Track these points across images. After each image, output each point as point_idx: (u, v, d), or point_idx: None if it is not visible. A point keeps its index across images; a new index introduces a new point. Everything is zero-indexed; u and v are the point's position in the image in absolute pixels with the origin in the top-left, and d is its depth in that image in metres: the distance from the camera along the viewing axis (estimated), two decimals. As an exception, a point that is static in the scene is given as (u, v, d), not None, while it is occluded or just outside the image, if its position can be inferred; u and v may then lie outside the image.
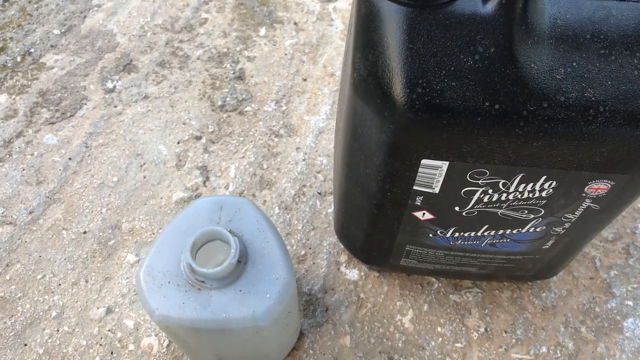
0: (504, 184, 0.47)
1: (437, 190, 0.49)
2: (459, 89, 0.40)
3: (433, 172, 0.47)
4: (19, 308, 0.69)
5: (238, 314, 0.50)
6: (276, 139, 0.81)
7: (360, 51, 0.45)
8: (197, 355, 0.62)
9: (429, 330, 0.69)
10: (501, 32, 0.40)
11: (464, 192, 0.48)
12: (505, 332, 0.69)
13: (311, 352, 0.67)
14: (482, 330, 0.69)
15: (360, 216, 0.60)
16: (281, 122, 0.82)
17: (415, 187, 0.49)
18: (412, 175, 0.48)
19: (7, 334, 0.67)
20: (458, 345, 0.68)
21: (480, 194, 0.49)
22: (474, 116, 0.41)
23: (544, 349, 0.68)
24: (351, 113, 0.48)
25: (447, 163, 0.45)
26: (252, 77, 0.86)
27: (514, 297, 0.71)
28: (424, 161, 0.45)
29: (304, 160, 0.79)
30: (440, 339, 0.68)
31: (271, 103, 0.84)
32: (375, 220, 0.58)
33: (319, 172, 0.78)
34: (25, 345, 0.67)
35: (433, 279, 0.71)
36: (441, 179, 0.47)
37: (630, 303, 0.71)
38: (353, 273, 0.72)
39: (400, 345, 0.68)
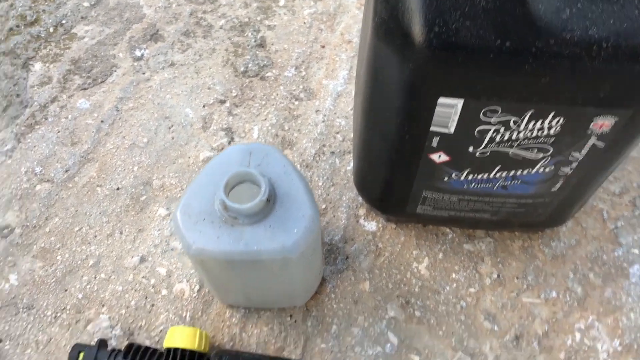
0: (514, 122, 0.51)
1: (452, 130, 0.53)
2: (473, 28, 0.44)
3: (449, 111, 0.50)
4: (58, 257, 0.74)
5: (269, 247, 0.54)
6: (296, 102, 0.85)
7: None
8: (227, 294, 0.66)
9: (444, 277, 0.73)
10: None
11: (477, 131, 0.52)
12: (517, 278, 0.72)
13: (333, 295, 0.71)
14: (495, 276, 0.72)
15: (379, 164, 0.64)
16: (301, 87, 0.86)
17: (432, 128, 0.53)
18: (429, 116, 0.52)
19: (48, 281, 0.72)
20: (472, 290, 0.72)
21: (493, 133, 0.52)
22: (486, 53, 0.44)
23: (554, 294, 0.71)
24: (372, 58, 0.52)
25: (462, 101, 0.49)
26: (272, 44, 0.90)
27: (525, 246, 0.74)
28: (440, 99, 0.49)
29: (323, 122, 0.83)
30: (454, 285, 0.72)
31: (291, 69, 0.88)
32: (394, 166, 0.62)
33: (337, 133, 0.82)
34: (66, 290, 0.72)
35: (447, 230, 0.75)
36: (456, 118, 0.51)
37: (636, 251, 0.74)
38: (371, 225, 0.76)
39: (417, 290, 0.72)
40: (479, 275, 0.73)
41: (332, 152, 0.80)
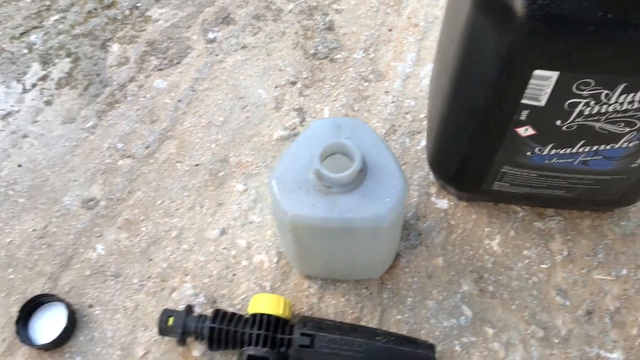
0: (606, 95, 0.52)
1: (543, 103, 0.54)
2: (576, 0, 0.46)
3: (543, 84, 0.52)
4: (142, 229, 0.77)
5: (362, 214, 0.56)
6: (366, 84, 0.87)
7: None
8: (309, 263, 0.69)
9: (516, 253, 0.74)
10: None
11: (567, 104, 0.54)
12: (587, 255, 0.74)
13: (407, 270, 0.74)
14: (565, 253, 0.74)
15: (460, 139, 0.66)
16: (370, 68, 0.88)
17: (523, 101, 0.55)
18: (522, 88, 0.53)
19: (134, 250, 0.76)
20: (543, 266, 0.73)
21: (583, 106, 0.54)
22: (588, 25, 0.46)
23: (624, 271, 0.73)
24: (468, 31, 0.54)
25: (558, 73, 0.50)
26: (341, 27, 0.93)
27: (595, 225, 0.76)
28: (536, 72, 0.51)
29: (392, 102, 0.85)
30: (526, 261, 0.74)
31: (360, 51, 0.90)
32: (477, 141, 0.64)
33: (407, 114, 0.84)
34: (150, 260, 0.75)
35: (518, 208, 0.77)
36: (549, 91, 0.53)
37: None
38: (443, 202, 0.78)
39: (489, 265, 0.74)
40: (549, 252, 0.74)
41: (402, 133, 0.82)
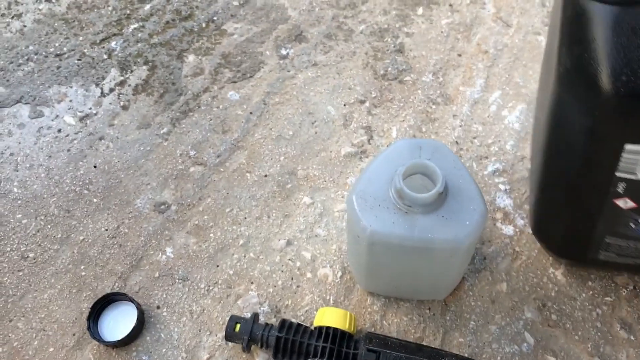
0: None
1: None
2: None
3: (636, 158, 0.51)
4: (211, 235, 0.79)
5: (442, 235, 0.57)
6: (434, 106, 0.88)
7: (566, 46, 0.51)
8: (376, 279, 0.70)
9: (580, 284, 0.74)
10: None
11: None
12: (655, 292, 0.73)
13: (470, 293, 0.74)
14: (631, 287, 0.73)
15: (559, 210, 0.65)
16: (438, 92, 0.90)
17: (617, 174, 0.53)
18: (614, 162, 0.52)
19: (202, 256, 0.78)
20: (607, 299, 0.73)
21: None
22: None
23: (693, 310, 0.72)
24: (555, 105, 0.54)
25: None
26: (411, 50, 0.94)
27: (663, 262, 0.75)
28: (627, 146, 0.50)
29: (460, 126, 0.86)
30: (590, 292, 0.73)
31: (429, 74, 0.92)
32: (575, 212, 0.62)
33: (474, 138, 0.85)
34: (218, 266, 0.77)
35: (584, 240, 0.77)
36: None
37: None
38: (508, 229, 0.78)
39: (553, 294, 0.73)
40: (614, 285, 0.74)
41: (470, 157, 0.83)
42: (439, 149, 0.62)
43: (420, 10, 0.99)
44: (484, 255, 0.76)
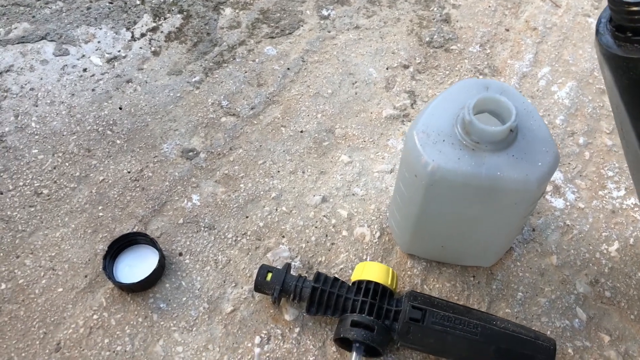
0: None
1: None
2: None
3: None
4: (241, 185, 0.74)
5: (512, 175, 0.53)
6: (480, 77, 0.84)
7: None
8: (421, 236, 0.65)
9: (635, 262, 0.69)
10: None
11: None
12: None
13: (518, 264, 0.69)
14: (691, 271, 0.69)
15: None
16: (485, 63, 0.86)
17: None
18: None
19: (231, 205, 0.72)
20: (666, 280, 0.68)
21: None
22: None
23: None
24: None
25: None
26: (457, 21, 0.91)
27: None
28: None
29: (507, 98, 0.82)
30: (647, 272, 0.69)
31: (476, 45, 0.88)
32: None
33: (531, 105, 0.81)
34: (247, 217, 0.72)
35: (637, 215, 0.72)
36: None
37: None
38: (558, 202, 0.73)
39: (606, 270, 0.68)
40: (672, 266, 0.69)
41: (517, 128, 0.79)
42: (506, 89, 0.58)
43: (467, -16, 0.96)
44: (533, 227, 0.72)
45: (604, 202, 0.74)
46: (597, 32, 0.46)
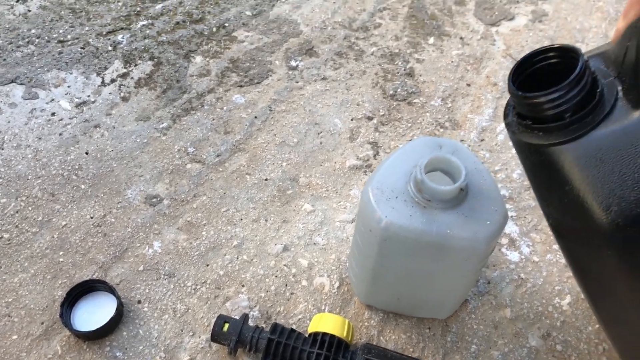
0: None
1: None
2: None
3: None
4: (203, 233, 0.75)
5: (462, 233, 0.54)
6: (441, 130, 0.87)
7: (544, 202, 0.49)
8: (377, 289, 0.66)
9: (587, 316, 0.71)
10: None
11: None
12: (662, 331, 0.70)
13: (473, 316, 0.70)
14: (639, 325, 0.71)
15: None
16: (446, 117, 0.89)
17: None
18: None
19: (192, 253, 0.73)
20: (615, 335, 0.70)
21: None
22: None
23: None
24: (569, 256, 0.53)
25: None
26: (420, 75, 0.94)
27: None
28: None
29: (467, 151, 0.85)
30: (597, 326, 0.70)
31: (437, 99, 0.91)
32: None
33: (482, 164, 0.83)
34: (208, 265, 0.72)
35: (591, 272, 0.74)
36: None
37: None
38: (514, 255, 0.75)
39: (558, 324, 0.70)
40: (622, 322, 0.71)
41: (475, 181, 0.81)
42: (459, 149, 0.60)
43: (431, 40, 0.99)
44: (488, 280, 0.73)
45: (558, 256, 0.76)
46: (506, 116, 0.48)
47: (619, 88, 0.42)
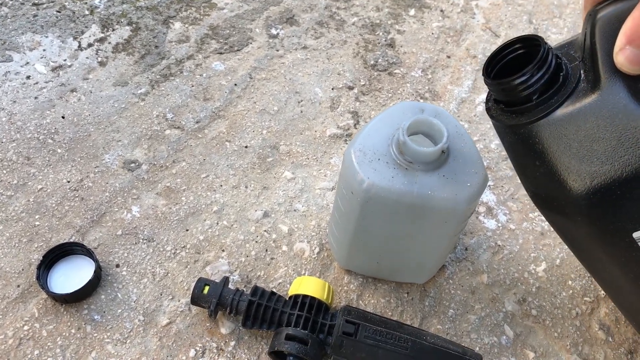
0: None
1: None
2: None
3: None
4: (183, 198, 0.74)
5: (442, 194, 0.55)
6: (421, 100, 0.87)
7: (522, 176, 0.52)
8: (357, 253, 0.66)
9: (561, 282, 0.73)
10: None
11: None
12: (633, 296, 0.72)
13: (451, 281, 0.71)
14: (611, 291, 0.72)
15: None
16: (426, 87, 0.89)
17: None
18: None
19: (171, 218, 0.72)
20: (587, 299, 0.71)
21: None
22: None
23: (669, 318, 0.71)
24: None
25: None
26: (401, 46, 0.94)
27: (640, 269, 0.75)
28: (634, 234, 0.47)
29: (446, 122, 0.85)
30: (570, 291, 0.72)
31: (418, 70, 0.91)
32: None
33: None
34: (187, 230, 0.72)
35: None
36: None
37: None
38: (491, 222, 0.76)
39: (533, 290, 0.72)
40: (594, 286, 0.73)
41: (454, 151, 0.82)
42: (440, 112, 0.60)
43: (412, 12, 0.99)
44: (466, 246, 0.74)
45: (534, 224, 0.77)
46: (487, 102, 0.53)
47: (582, 71, 0.45)
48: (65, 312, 0.64)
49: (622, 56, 0.41)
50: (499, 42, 0.97)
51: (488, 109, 0.52)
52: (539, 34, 1.02)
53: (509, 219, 0.77)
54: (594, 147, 0.44)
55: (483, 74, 0.50)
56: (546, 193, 0.49)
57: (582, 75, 0.45)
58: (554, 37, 1.01)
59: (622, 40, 0.41)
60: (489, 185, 0.80)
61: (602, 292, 0.72)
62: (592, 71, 0.44)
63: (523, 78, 0.45)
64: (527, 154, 0.48)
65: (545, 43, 0.46)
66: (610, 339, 0.69)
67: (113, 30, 0.90)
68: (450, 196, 0.55)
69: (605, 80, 0.43)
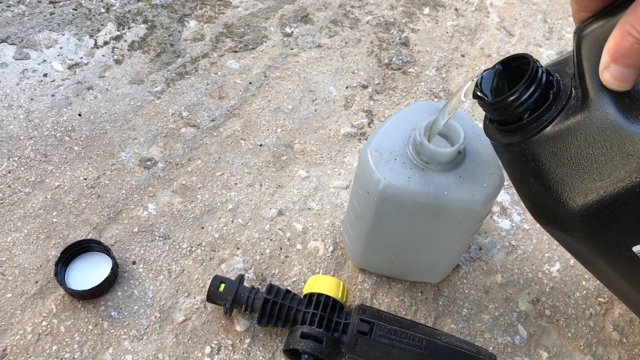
0: None
1: None
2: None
3: None
4: (198, 196, 0.75)
5: (458, 195, 0.55)
6: (436, 99, 0.87)
7: (519, 193, 0.51)
8: (371, 252, 0.66)
9: (575, 283, 0.73)
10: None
11: None
12: (647, 297, 0.72)
13: (465, 281, 0.71)
14: (625, 292, 0.72)
15: None
16: (441, 86, 0.89)
17: None
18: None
19: (187, 215, 0.73)
20: (601, 299, 0.71)
21: None
22: None
23: (684, 320, 0.71)
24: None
25: None
26: (415, 45, 0.94)
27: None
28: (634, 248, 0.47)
29: (460, 121, 0.85)
30: (584, 292, 0.72)
31: (432, 69, 0.91)
32: None
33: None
34: (203, 228, 0.72)
35: (580, 240, 0.76)
36: None
37: None
38: (505, 222, 0.77)
39: (547, 290, 0.72)
40: (609, 288, 0.73)
41: (468, 150, 0.82)
42: (457, 113, 0.61)
43: (426, 10, 0.99)
44: (480, 246, 0.74)
45: (548, 224, 0.77)
46: (484, 121, 0.52)
47: (572, 88, 0.45)
48: (82, 309, 0.65)
49: (607, 74, 0.41)
50: (513, 41, 0.97)
51: (485, 128, 0.52)
52: (554, 33, 1.03)
53: (523, 219, 0.77)
54: (585, 164, 0.44)
55: (473, 94, 0.50)
56: (543, 209, 0.49)
57: (573, 92, 0.45)
58: (569, 36, 1.00)
59: (606, 59, 0.41)
60: (504, 185, 0.80)
61: (617, 293, 0.72)
62: (581, 88, 0.44)
63: (512, 97, 0.45)
64: (522, 171, 0.48)
65: (535, 61, 0.45)
66: (624, 340, 0.69)
67: (129, 28, 0.90)
68: (467, 197, 0.55)
69: (593, 96, 0.43)
